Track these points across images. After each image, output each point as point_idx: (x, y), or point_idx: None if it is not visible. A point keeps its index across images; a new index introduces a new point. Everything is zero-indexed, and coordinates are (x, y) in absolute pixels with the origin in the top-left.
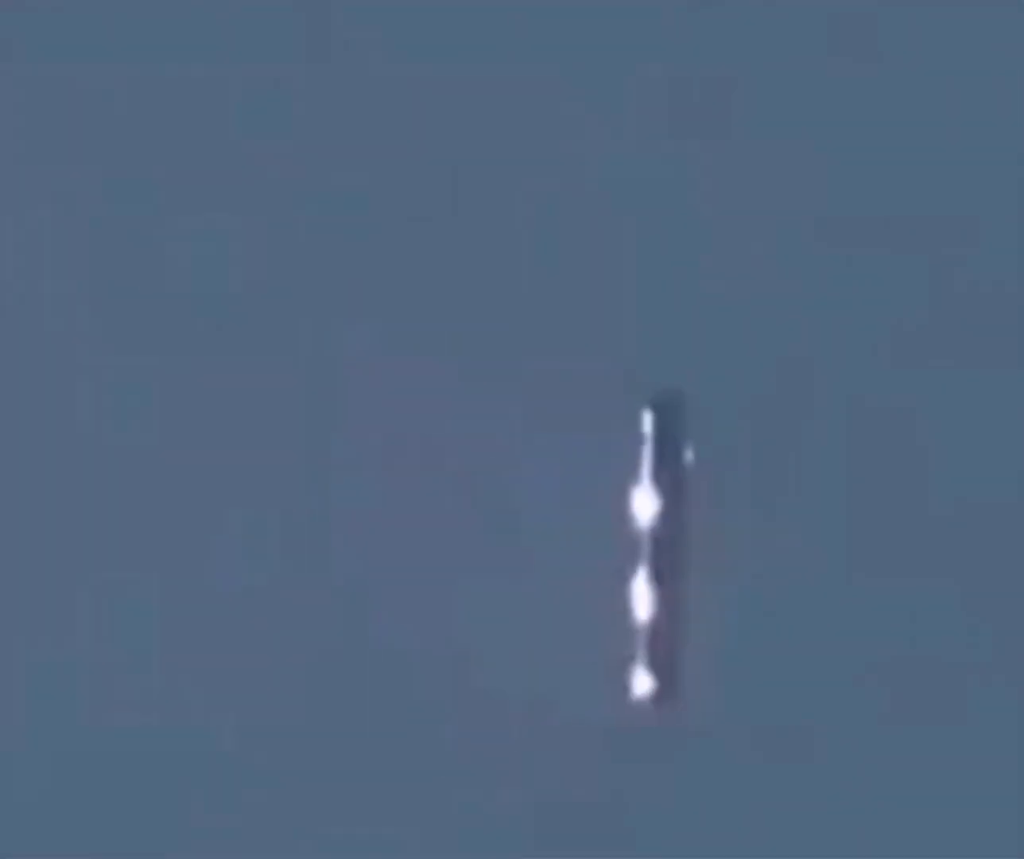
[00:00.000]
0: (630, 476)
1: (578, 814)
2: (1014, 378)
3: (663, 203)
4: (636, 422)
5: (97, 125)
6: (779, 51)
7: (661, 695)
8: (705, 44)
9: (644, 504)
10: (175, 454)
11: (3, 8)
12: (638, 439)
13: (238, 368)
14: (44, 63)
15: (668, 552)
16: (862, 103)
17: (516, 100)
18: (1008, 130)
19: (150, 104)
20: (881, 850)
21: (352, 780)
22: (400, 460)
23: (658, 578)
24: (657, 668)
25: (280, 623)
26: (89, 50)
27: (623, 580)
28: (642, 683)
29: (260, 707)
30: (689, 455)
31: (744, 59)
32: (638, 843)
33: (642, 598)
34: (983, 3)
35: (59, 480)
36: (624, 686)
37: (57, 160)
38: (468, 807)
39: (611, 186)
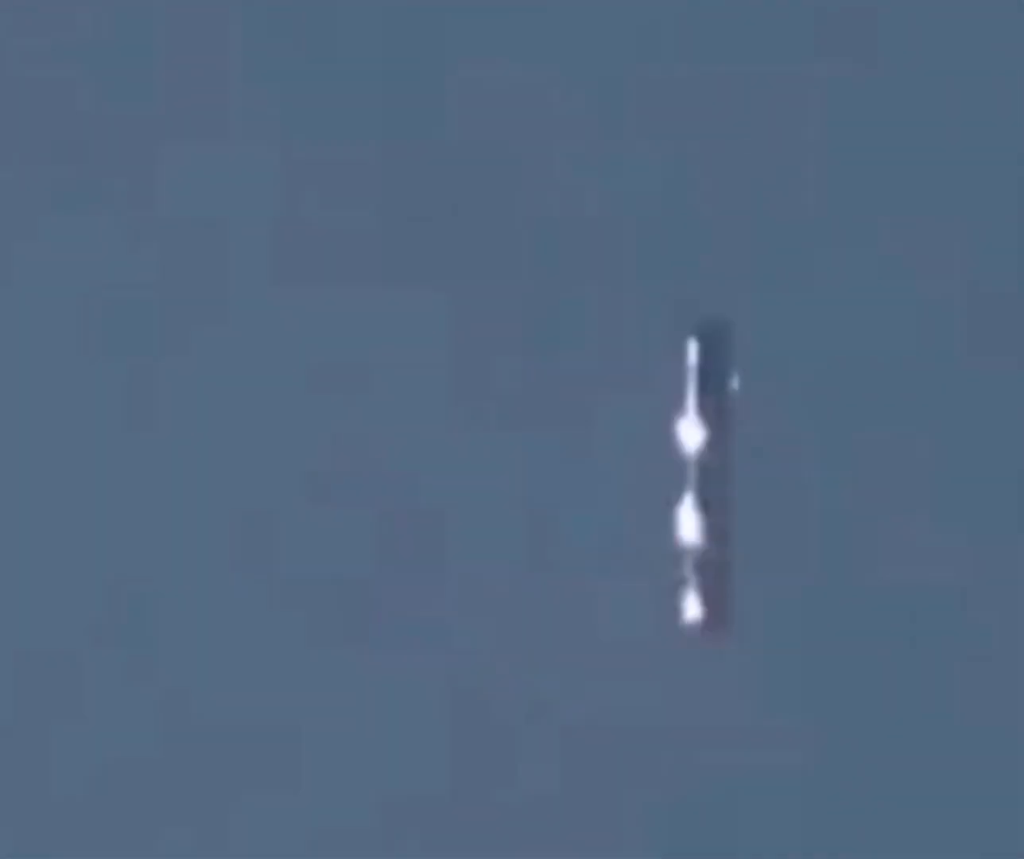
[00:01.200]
0: (676, 406)
1: (630, 735)
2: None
3: (710, 132)
4: (681, 352)
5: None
6: (780, 43)
7: (710, 620)
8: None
9: (690, 433)
10: (175, 455)
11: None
12: (683, 369)
13: (235, 372)
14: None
15: (714, 481)
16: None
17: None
18: (1008, 129)
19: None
20: (931, 785)
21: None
22: (454, 387)
23: (704, 507)
24: (705, 595)
25: (280, 612)
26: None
27: (670, 508)
28: (692, 609)
29: (263, 700)
30: (735, 384)
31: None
32: (685, 768)
33: (689, 526)
34: (983, 3)
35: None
36: (674, 611)
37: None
38: (515, 718)
39: (658, 111)
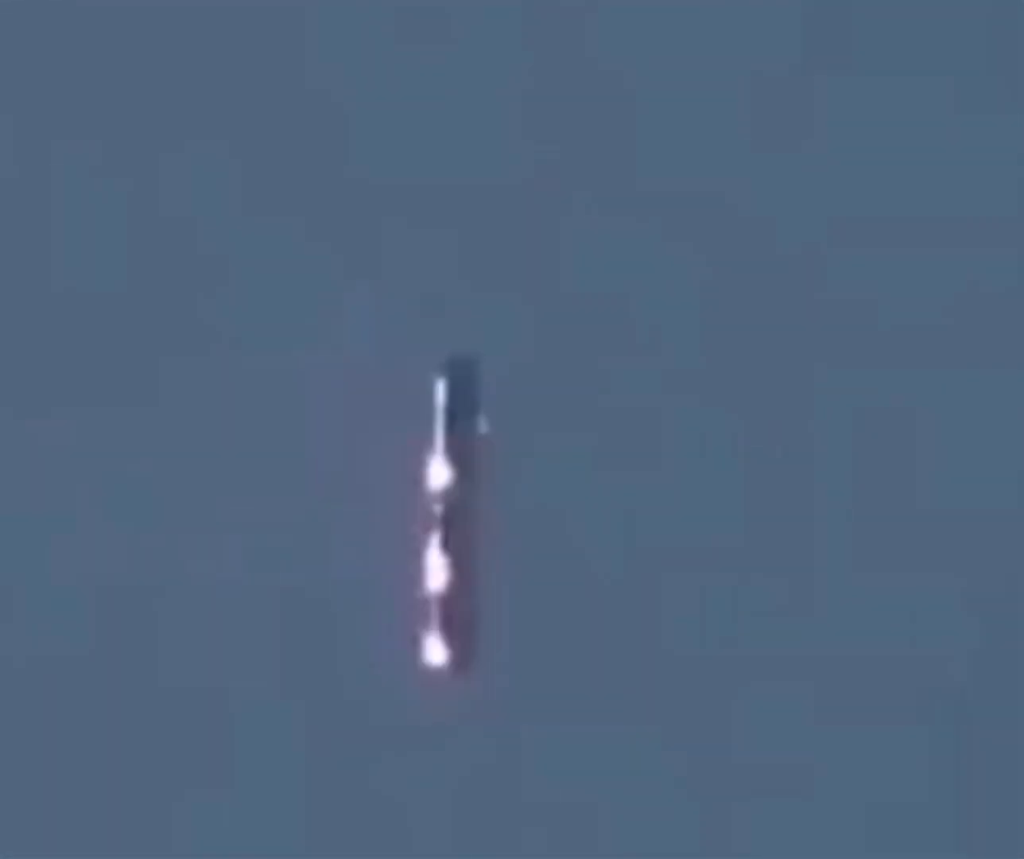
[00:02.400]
0: (424, 446)
1: (371, 783)
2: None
3: (463, 165)
4: (429, 391)
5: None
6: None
7: (455, 663)
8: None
9: (437, 473)
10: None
11: None
12: (431, 408)
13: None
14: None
15: (461, 521)
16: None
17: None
18: (1009, 130)
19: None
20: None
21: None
22: (196, 437)
23: (451, 547)
24: (451, 637)
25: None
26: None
27: (416, 549)
28: (436, 652)
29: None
30: (483, 425)
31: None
32: (428, 806)
33: (435, 567)
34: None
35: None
36: (418, 655)
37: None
38: (258, 774)
39: (414, 141)
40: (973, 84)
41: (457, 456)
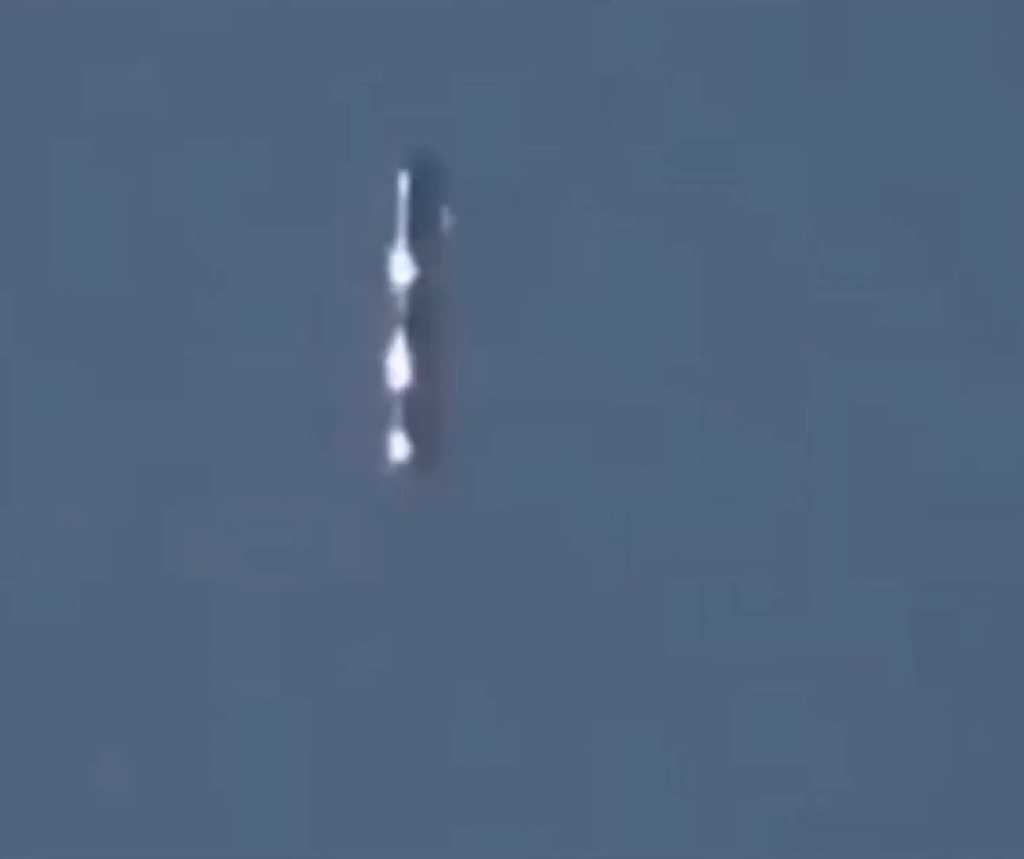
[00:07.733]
0: (386, 240)
1: (339, 580)
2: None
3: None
4: (392, 184)
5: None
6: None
7: (420, 460)
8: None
9: (401, 268)
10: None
11: None
12: (394, 201)
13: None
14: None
15: (426, 317)
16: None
17: None
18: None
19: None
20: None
21: None
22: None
23: (416, 343)
24: (415, 433)
25: None
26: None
27: (380, 345)
28: (400, 448)
29: None
30: (447, 218)
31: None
32: (395, 601)
33: (399, 363)
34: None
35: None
36: (382, 451)
37: None
38: (229, 577)
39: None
40: (972, 88)
41: (422, 252)
